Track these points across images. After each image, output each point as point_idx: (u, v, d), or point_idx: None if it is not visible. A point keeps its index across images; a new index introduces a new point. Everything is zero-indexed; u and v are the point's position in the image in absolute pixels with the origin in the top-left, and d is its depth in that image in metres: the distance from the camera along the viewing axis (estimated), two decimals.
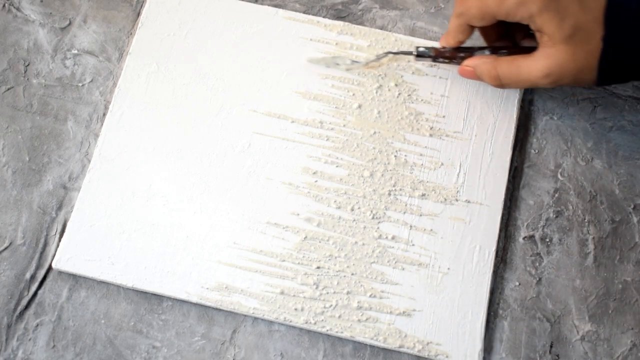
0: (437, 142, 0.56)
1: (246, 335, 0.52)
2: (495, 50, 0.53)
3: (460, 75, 0.55)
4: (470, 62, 0.53)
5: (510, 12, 0.48)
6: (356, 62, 0.57)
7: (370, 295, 0.52)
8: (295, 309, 0.51)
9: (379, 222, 0.54)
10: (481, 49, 0.54)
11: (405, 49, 0.58)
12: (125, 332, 0.52)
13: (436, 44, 0.57)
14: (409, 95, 0.57)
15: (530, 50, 0.50)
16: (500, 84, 0.51)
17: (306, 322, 0.51)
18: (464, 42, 0.53)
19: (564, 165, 0.56)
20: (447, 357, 0.51)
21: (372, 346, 0.52)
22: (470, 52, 0.54)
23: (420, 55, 0.54)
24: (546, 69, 0.48)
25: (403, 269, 0.53)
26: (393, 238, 0.53)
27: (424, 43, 0.58)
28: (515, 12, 0.48)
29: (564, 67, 0.48)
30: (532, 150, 0.57)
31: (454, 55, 0.54)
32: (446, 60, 0.55)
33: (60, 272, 0.53)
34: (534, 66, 0.49)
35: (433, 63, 0.56)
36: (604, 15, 0.46)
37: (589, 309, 0.53)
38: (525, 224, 0.55)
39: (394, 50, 0.57)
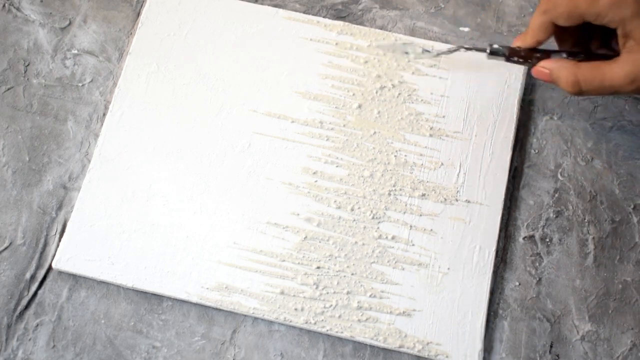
0: (437, 142, 0.56)
1: (246, 335, 0.52)
2: (572, 55, 0.50)
3: (534, 75, 0.51)
4: (547, 64, 0.50)
5: (601, 14, 0.46)
6: (427, 51, 0.55)
7: (370, 295, 0.52)
8: (295, 309, 0.51)
9: (379, 222, 0.54)
10: (558, 52, 0.51)
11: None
12: (125, 332, 0.52)
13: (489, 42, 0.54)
14: (409, 95, 0.57)
15: (606, 58, 0.48)
16: (580, 90, 0.48)
17: (306, 322, 0.51)
18: (542, 43, 0.50)
19: (564, 165, 0.56)
20: (447, 357, 0.51)
21: (372, 346, 0.52)
22: (547, 54, 0.51)
23: (493, 53, 0.51)
24: (632, 75, 0.46)
25: (403, 269, 0.53)
26: (393, 238, 0.53)
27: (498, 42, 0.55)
28: (606, 14, 0.45)
29: None
30: (532, 150, 0.57)
31: (530, 55, 0.50)
32: (520, 60, 0.51)
33: (60, 272, 0.53)
34: (618, 72, 0.47)
35: (506, 62, 0.52)
36: None
37: (589, 309, 0.53)
38: (525, 224, 0.55)
39: (466, 45, 0.54)
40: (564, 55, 0.50)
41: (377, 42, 0.56)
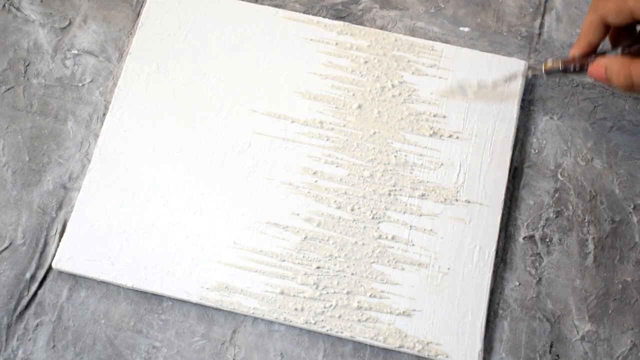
0: (437, 142, 0.56)
1: (246, 335, 0.52)
2: (628, 50, 0.47)
3: (590, 76, 0.49)
4: (602, 60, 0.47)
5: None
6: (483, 86, 0.55)
7: (370, 295, 0.52)
8: (295, 309, 0.51)
9: (379, 222, 0.54)
10: (613, 50, 0.48)
11: (405, 49, 0.58)
12: (125, 332, 0.52)
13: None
14: (409, 95, 0.57)
15: None
16: (631, 83, 0.45)
17: (306, 322, 0.51)
18: (594, 47, 0.48)
19: (564, 165, 0.56)
20: (447, 357, 0.51)
21: (372, 346, 0.52)
22: (602, 55, 0.48)
23: (549, 71, 0.51)
24: None
25: (403, 269, 0.53)
26: (393, 238, 0.53)
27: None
28: None
29: None
30: (532, 150, 0.57)
31: (585, 62, 0.49)
32: (577, 69, 0.50)
33: (60, 272, 0.53)
34: None
35: (563, 74, 0.52)
36: None
37: (589, 309, 0.53)
38: (525, 224, 0.55)
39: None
40: (619, 51, 0.48)
41: (437, 90, 0.56)
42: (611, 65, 0.46)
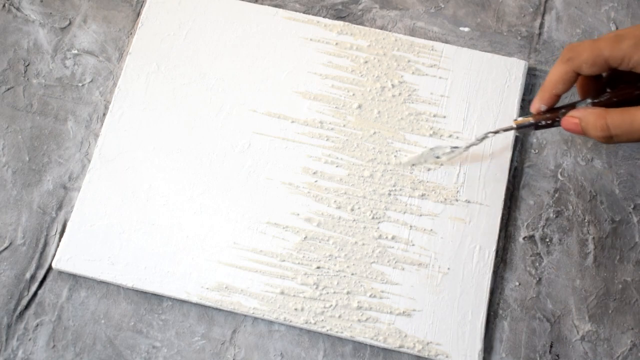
0: (437, 142, 0.56)
1: (246, 335, 0.52)
2: (597, 101, 0.46)
3: (565, 129, 0.47)
4: (575, 113, 0.46)
5: (625, 57, 0.43)
6: (456, 147, 0.54)
7: (370, 295, 0.52)
8: (295, 309, 0.51)
9: (379, 222, 0.54)
10: (582, 101, 0.47)
11: (405, 49, 0.58)
12: (125, 332, 0.52)
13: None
14: (409, 95, 0.57)
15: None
16: (609, 134, 0.44)
17: (306, 322, 0.51)
18: (559, 97, 0.47)
19: (564, 165, 0.56)
20: (447, 357, 0.51)
21: (372, 346, 0.52)
22: (572, 106, 0.47)
23: (520, 127, 0.49)
24: None
25: (403, 269, 0.53)
26: (393, 238, 0.53)
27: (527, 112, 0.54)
28: (630, 57, 0.43)
29: None
30: (532, 150, 0.57)
31: (556, 114, 0.47)
32: (549, 122, 0.48)
33: (60, 272, 0.53)
34: None
35: (535, 129, 0.50)
36: None
37: (589, 309, 0.53)
38: (525, 224, 0.55)
39: (492, 130, 0.53)
40: (589, 101, 0.47)
41: (407, 159, 0.55)
42: (586, 117, 0.45)
